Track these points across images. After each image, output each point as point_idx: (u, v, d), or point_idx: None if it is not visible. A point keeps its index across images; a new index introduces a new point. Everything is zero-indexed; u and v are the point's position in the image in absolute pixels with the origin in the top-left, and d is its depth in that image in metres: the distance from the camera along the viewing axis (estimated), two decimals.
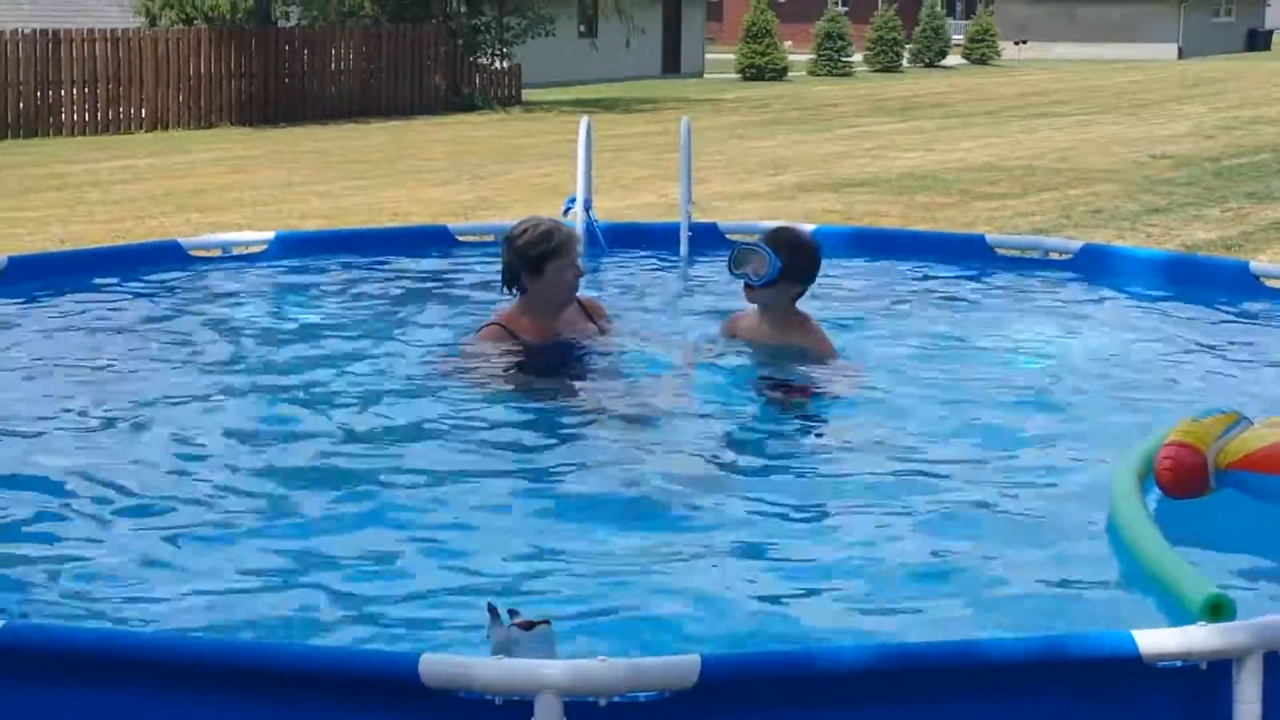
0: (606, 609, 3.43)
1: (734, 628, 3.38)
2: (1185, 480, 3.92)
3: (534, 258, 5.33)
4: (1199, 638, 2.85)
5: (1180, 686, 2.86)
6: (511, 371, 5.28)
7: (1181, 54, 57.71)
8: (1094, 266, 7.65)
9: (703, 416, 5.10)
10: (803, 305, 5.45)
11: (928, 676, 2.83)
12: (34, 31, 24.00)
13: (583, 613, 3.37)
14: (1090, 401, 5.23)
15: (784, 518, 4.06)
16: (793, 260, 5.22)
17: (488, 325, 5.50)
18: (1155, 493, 3.98)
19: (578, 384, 5.24)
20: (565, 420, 4.93)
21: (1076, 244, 8.08)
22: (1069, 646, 2.89)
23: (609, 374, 5.37)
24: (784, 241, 5.29)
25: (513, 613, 2.93)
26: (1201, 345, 6.21)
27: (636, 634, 3.29)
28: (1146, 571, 3.45)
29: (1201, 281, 7.29)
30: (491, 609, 2.96)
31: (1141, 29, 58.90)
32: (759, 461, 4.59)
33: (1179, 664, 2.85)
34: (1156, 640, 2.84)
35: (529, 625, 2.85)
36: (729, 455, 4.65)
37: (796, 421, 5.01)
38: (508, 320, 5.44)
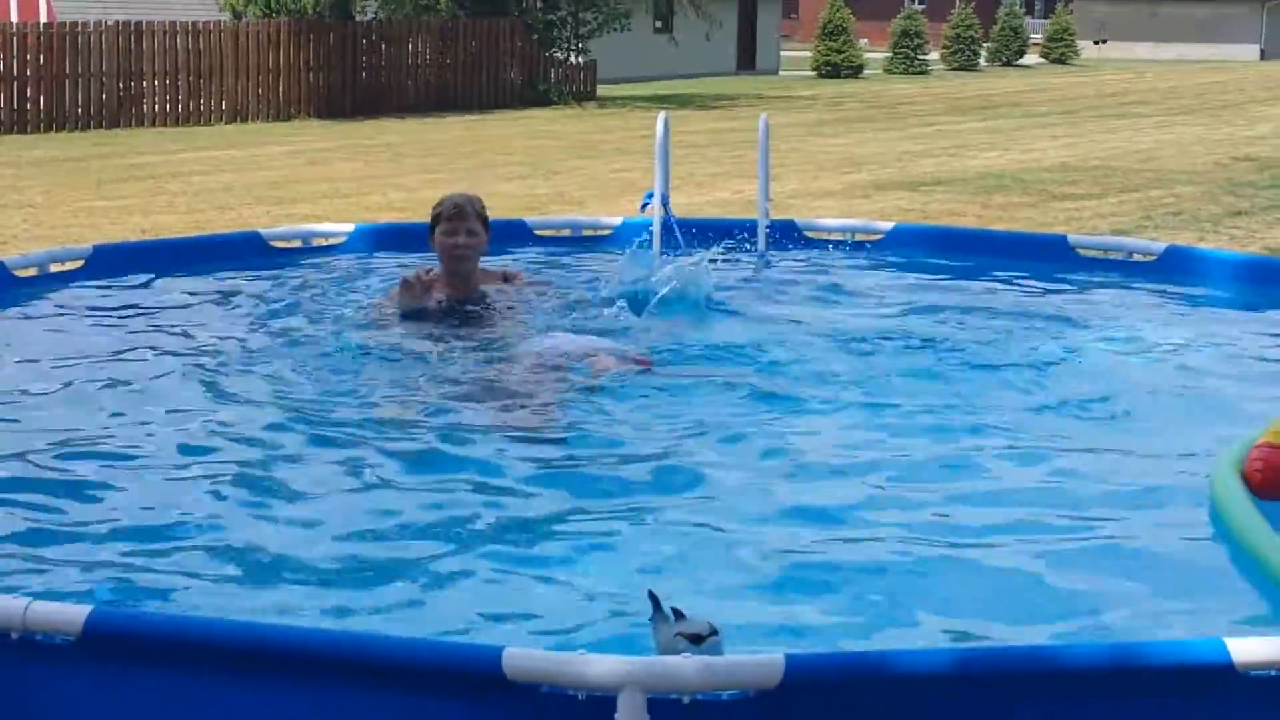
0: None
1: (809, 628, 3.35)
2: (1277, 482, 3.86)
3: (429, 223, 6.11)
4: None
5: (1277, 698, 2.78)
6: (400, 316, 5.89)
7: (1264, 55, 56.90)
8: (1178, 268, 7.54)
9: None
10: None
11: (1012, 681, 2.78)
12: (116, 23, 24.30)
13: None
14: (1177, 404, 5.16)
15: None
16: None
17: (407, 277, 6.00)
18: None
19: (459, 336, 5.71)
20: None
21: (1160, 245, 7.96)
22: (1157, 653, 2.83)
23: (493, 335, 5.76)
24: None
25: (676, 612, 2.85)
26: None
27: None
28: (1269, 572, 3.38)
29: None
30: (653, 597, 2.91)
31: (1224, 29, 58.13)
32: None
33: (1274, 673, 2.76)
34: (1252, 648, 2.76)
35: (698, 639, 2.78)
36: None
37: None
38: (431, 277, 5.99)
